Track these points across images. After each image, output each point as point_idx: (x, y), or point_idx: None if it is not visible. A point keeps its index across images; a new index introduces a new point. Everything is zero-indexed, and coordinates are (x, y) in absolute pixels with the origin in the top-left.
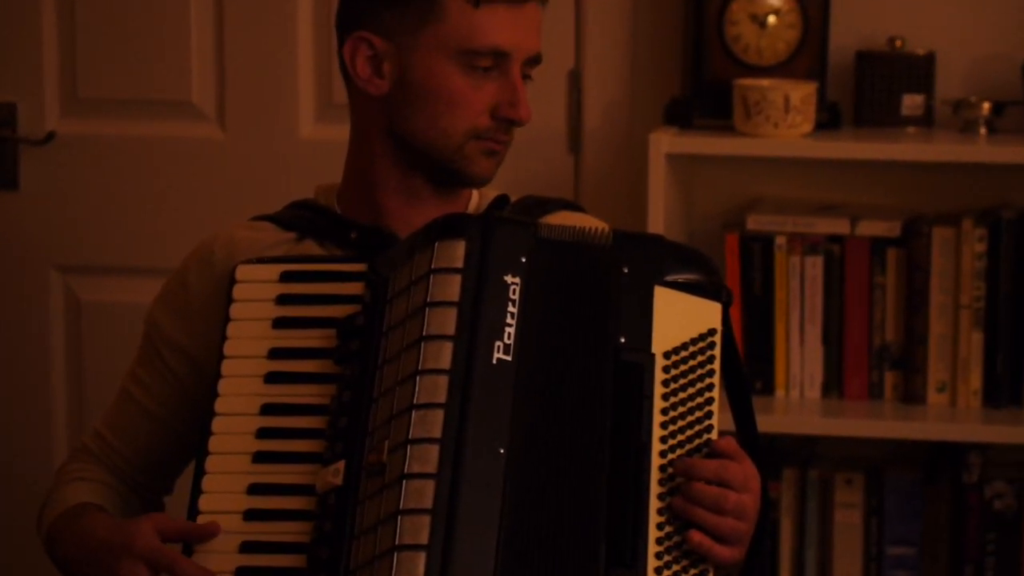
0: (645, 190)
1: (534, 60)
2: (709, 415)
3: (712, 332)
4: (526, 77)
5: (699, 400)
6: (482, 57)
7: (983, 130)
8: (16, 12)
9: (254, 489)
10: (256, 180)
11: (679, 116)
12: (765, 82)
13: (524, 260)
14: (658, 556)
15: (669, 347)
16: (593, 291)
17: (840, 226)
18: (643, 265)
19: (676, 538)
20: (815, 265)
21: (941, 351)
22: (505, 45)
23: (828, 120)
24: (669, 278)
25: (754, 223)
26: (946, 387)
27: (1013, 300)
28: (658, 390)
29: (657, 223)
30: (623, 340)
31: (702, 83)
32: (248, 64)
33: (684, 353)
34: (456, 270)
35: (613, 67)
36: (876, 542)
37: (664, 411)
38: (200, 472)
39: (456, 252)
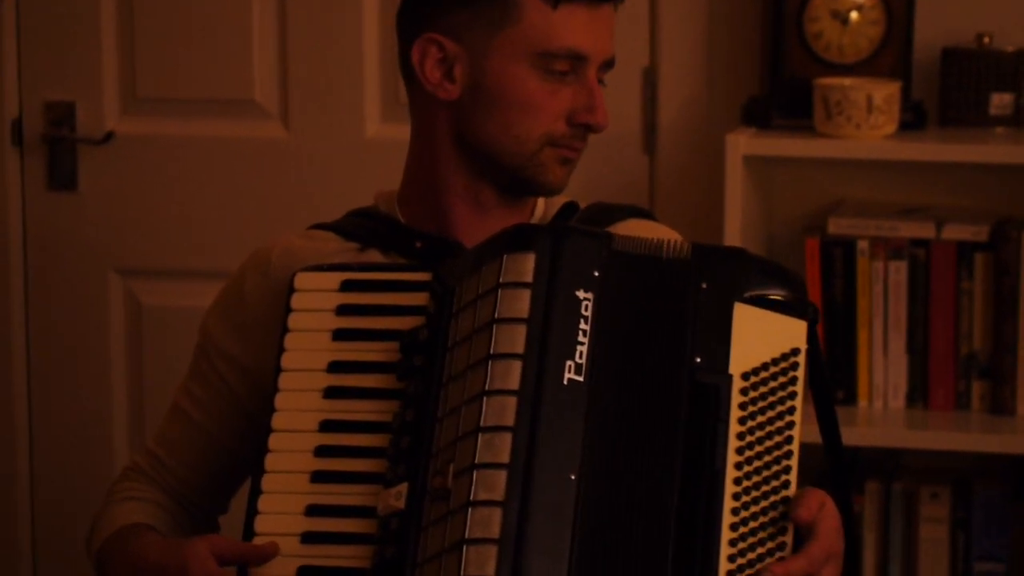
0: (722, 192)
1: (609, 64)
2: (789, 440)
3: (795, 352)
4: (600, 82)
5: (779, 424)
6: (559, 60)
7: None
8: (75, 10)
9: (312, 510)
10: (320, 181)
11: (757, 116)
12: (847, 81)
13: (597, 274)
14: None
15: (748, 368)
16: (669, 308)
17: (925, 230)
18: (723, 281)
19: (748, 571)
20: (899, 270)
21: None
22: (583, 47)
23: (912, 120)
24: (750, 294)
25: (835, 227)
26: None
27: None
28: (735, 413)
29: (734, 226)
30: (699, 360)
31: (781, 82)
32: (312, 61)
33: (764, 374)
34: (525, 284)
35: (689, 64)
36: (963, 558)
37: (740, 435)
38: (256, 491)
39: (525, 266)
